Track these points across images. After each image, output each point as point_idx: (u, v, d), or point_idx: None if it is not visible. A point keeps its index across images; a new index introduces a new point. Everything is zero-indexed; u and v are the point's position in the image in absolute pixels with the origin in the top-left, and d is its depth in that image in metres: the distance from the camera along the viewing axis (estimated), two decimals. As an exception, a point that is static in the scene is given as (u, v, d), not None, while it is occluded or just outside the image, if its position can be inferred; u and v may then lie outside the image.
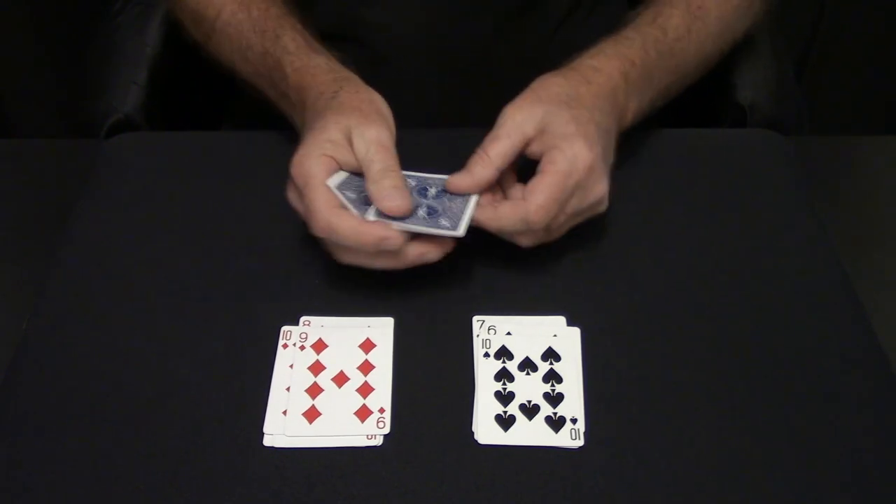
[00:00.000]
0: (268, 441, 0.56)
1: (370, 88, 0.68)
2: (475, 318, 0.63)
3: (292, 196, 0.64)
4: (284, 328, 0.62)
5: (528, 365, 0.60)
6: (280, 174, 0.75)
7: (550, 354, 0.61)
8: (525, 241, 0.64)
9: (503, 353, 0.61)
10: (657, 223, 0.70)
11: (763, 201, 0.72)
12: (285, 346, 0.61)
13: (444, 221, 0.61)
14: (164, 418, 0.57)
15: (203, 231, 0.69)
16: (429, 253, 0.62)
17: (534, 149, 0.64)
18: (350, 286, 0.65)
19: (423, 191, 0.64)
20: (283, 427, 0.56)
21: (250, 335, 0.62)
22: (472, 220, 0.62)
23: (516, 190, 0.65)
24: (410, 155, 0.75)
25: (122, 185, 0.74)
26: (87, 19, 0.98)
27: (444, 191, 0.64)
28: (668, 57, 0.73)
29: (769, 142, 0.78)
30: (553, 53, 0.88)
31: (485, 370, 0.60)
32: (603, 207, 0.65)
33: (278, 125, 0.79)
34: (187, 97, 0.96)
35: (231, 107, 1.01)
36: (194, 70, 0.96)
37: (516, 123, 0.64)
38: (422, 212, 0.62)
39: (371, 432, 0.56)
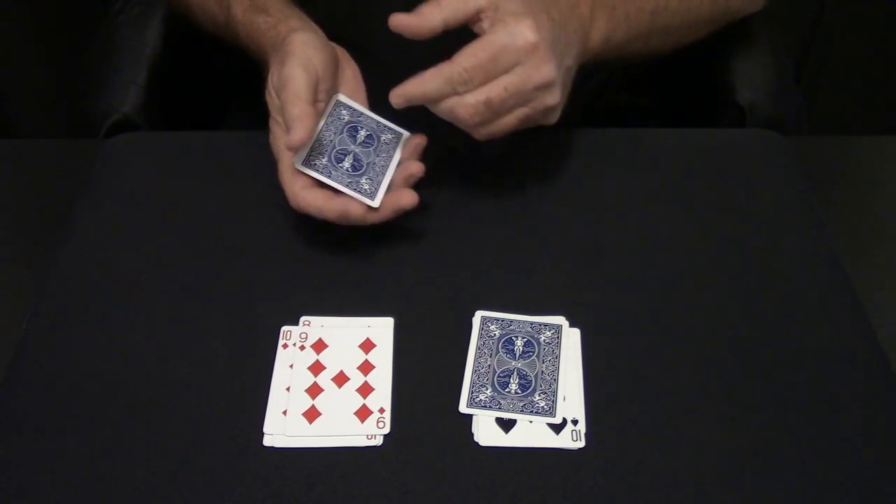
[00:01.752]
0: (268, 441, 0.56)
1: (300, 30, 0.68)
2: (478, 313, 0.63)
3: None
4: (284, 328, 0.62)
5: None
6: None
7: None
8: (464, 114, 0.62)
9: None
10: (657, 223, 0.70)
11: (763, 201, 0.72)
12: (285, 346, 0.61)
13: (364, 183, 0.63)
14: (164, 418, 0.57)
15: (203, 231, 0.69)
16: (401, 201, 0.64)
17: (483, 25, 0.63)
18: (350, 286, 0.65)
19: (353, 130, 0.65)
20: (283, 427, 0.56)
21: (250, 335, 0.62)
22: (400, 95, 0.63)
23: None
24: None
25: (121, 185, 0.74)
26: (87, 19, 0.97)
27: (373, 136, 0.65)
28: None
29: (769, 142, 0.78)
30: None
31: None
32: (551, 105, 0.64)
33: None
34: (187, 97, 0.96)
35: (231, 107, 1.01)
36: (194, 70, 0.96)
37: None
38: (347, 163, 0.63)
39: (371, 432, 0.56)
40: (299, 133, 0.60)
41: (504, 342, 0.61)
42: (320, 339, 0.62)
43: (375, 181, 0.64)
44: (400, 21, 0.63)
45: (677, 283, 0.66)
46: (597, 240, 0.69)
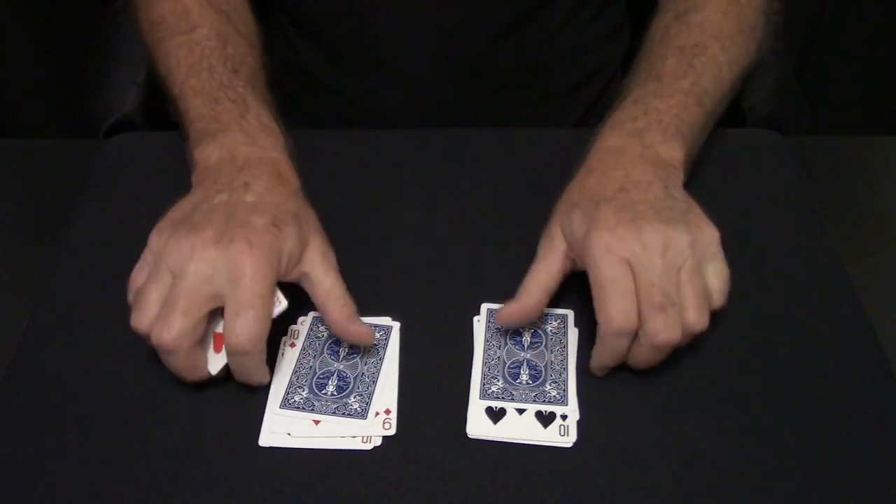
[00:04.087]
0: (267, 441, 0.56)
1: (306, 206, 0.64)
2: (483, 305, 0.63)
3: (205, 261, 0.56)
4: (293, 327, 0.62)
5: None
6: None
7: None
8: (664, 335, 0.55)
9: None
10: (657, 223, 0.70)
11: (763, 201, 0.72)
12: (293, 345, 0.61)
13: (353, 402, 0.58)
14: (163, 418, 0.57)
15: (203, 231, 0.69)
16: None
17: (576, 263, 0.60)
18: (350, 286, 0.65)
19: (334, 346, 0.61)
20: (283, 427, 0.56)
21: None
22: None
23: None
24: (412, 155, 0.76)
25: (121, 185, 0.74)
26: (87, 19, 0.98)
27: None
28: (674, 96, 0.68)
29: (769, 142, 0.78)
30: (557, 56, 0.89)
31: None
32: (701, 237, 0.59)
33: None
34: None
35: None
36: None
37: (546, 244, 0.61)
38: (331, 386, 0.59)
39: (377, 433, 0.56)
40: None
41: (512, 334, 0.61)
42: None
43: (366, 395, 0.58)
44: (508, 316, 0.60)
45: (677, 283, 0.65)
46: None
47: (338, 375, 0.59)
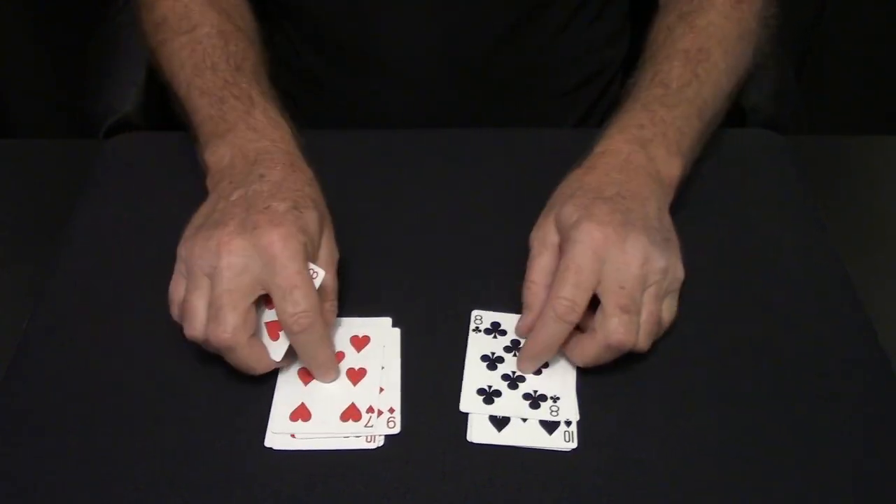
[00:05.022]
0: (269, 441, 0.56)
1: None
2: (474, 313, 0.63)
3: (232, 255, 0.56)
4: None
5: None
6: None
7: None
8: (621, 337, 0.57)
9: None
10: (657, 223, 0.70)
11: (763, 201, 0.72)
12: None
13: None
14: (164, 419, 0.57)
15: (203, 231, 0.69)
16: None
17: (564, 251, 0.60)
18: (350, 286, 0.65)
19: None
20: (284, 427, 0.56)
21: (250, 335, 0.62)
22: (527, 361, 0.60)
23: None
24: (413, 155, 0.76)
25: (121, 186, 0.74)
26: (87, 19, 0.97)
27: None
28: (679, 106, 0.69)
29: (769, 142, 0.78)
30: (558, 57, 0.89)
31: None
32: (672, 269, 0.60)
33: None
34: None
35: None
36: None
37: (539, 239, 0.62)
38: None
39: (381, 432, 0.56)
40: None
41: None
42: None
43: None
44: (525, 326, 0.61)
45: (677, 283, 0.66)
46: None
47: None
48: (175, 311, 0.59)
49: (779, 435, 0.56)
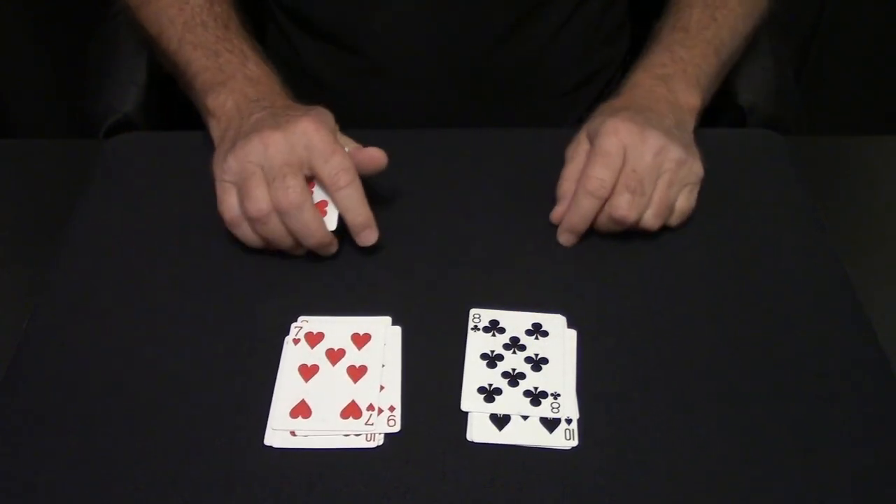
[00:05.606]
0: (269, 440, 0.56)
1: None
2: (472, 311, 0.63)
3: (276, 154, 0.64)
4: (294, 325, 0.62)
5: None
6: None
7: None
8: (623, 212, 0.65)
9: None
10: (657, 223, 0.70)
11: (763, 201, 0.72)
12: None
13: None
14: (164, 418, 0.57)
15: (202, 231, 0.69)
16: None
17: (592, 145, 0.68)
18: (350, 286, 0.65)
19: None
20: (284, 424, 0.56)
21: (250, 335, 0.62)
22: (568, 233, 0.68)
23: None
24: (412, 154, 0.76)
25: (121, 185, 0.74)
26: (86, 19, 0.97)
27: None
28: (697, 46, 0.77)
29: (769, 142, 0.78)
30: (558, 57, 0.89)
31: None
32: (689, 164, 0.68)
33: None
34: (187, 97, 0.96)
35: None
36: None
37: (572, 148, 0.71)
38: None
39: (382, 430, 0.56)
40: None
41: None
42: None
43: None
44: (559, 214, 0.69)
45: (676, 282, 0.66)
46: (595, 239, 0.69)
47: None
48: (231, 216, 0.65)
49: (778, 435, 0.56)
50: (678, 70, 0.75)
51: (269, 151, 0.63)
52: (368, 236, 0.65)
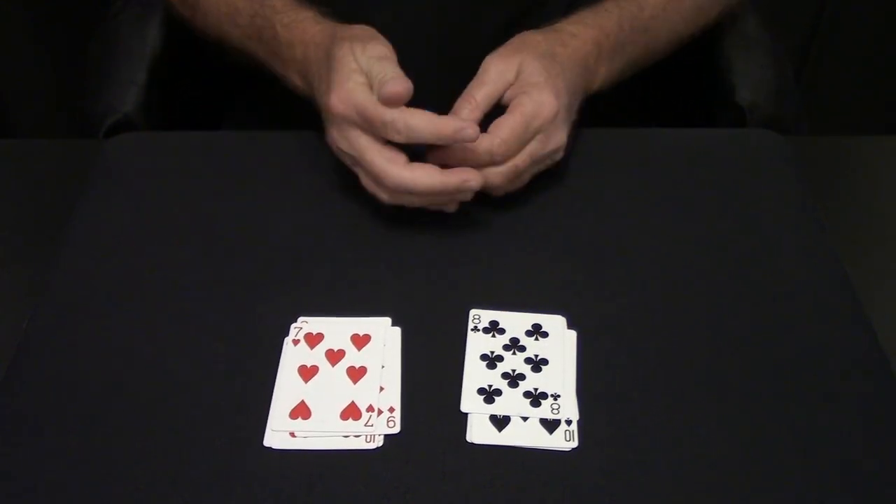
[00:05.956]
0: (268, 441, 0.56)
1: (361, 25, 0.72)
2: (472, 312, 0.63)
3: (338, 137, 0.67)
4: (294, 325, 0.62)
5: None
6: (280, 174, 0.75)
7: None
8: (496, 181, 0.67)
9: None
10: (657, 223, 0.70)
11: (763, 201, 0.72)
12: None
13: None
14: (164, 418, 0.57)
15: (203, 231, 0.69)
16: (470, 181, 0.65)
17: (508, 94, 0.69)
18: (350, 286, 0.65)
19: None
20: (284, 425, 0.56)
21: (250, 335, 0.62)
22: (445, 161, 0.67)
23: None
24: (411, 154, 0.75)
25: (121, 185, 0.74)
26: (86, 19, 0.98)
27: None
28: (640, 32, 0.77)
29: (769, 142, 0.78)
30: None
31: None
32: (559, 156, 0.70)
33: (278, 125, 0.79)
34: (187, 97, 0.96)
35: (231, 107, 1.01)
36: (194, 70, 0.96)
37: (499, 71, 0.69)
38: None
39: (381, 431, 0.56)
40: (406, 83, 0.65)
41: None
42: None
43: None
44: (444, 126, 0.66)
45: (676, 282, 0.66)
46: (595, 239, 0.69)
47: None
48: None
49: (778, 435, 0.56)
50: (615, 47, 0.75)
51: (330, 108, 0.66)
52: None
